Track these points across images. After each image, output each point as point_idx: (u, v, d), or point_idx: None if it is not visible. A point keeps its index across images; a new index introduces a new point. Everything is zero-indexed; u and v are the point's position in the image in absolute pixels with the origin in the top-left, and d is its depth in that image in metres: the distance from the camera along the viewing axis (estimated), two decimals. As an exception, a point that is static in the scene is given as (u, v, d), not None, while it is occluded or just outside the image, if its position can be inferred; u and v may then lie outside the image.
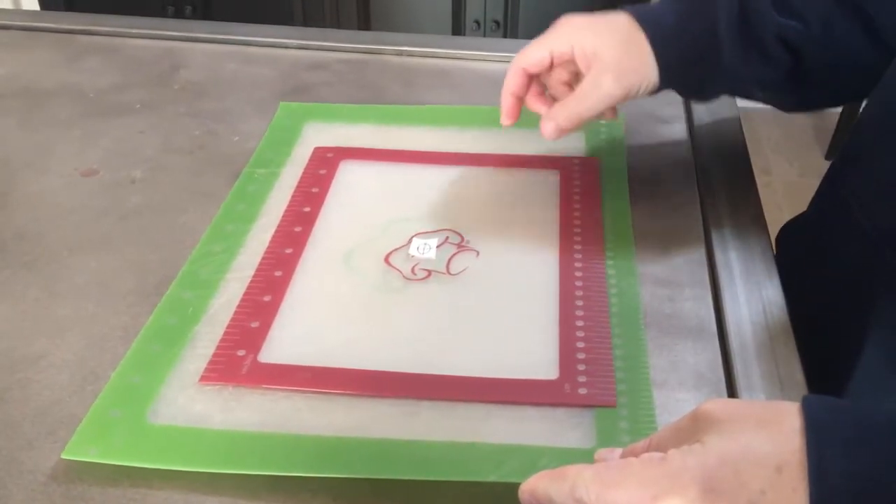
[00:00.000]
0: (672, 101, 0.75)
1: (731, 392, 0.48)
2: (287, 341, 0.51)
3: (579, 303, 0.53)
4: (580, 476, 0.36)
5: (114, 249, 0.59)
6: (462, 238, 0.59)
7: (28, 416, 0.47)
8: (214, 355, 0.50)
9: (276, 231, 0.59)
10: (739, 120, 0.73)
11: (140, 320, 0.52)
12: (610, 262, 0.56)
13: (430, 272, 0.56)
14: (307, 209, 0.61)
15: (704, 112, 0.73)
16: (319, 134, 0.70)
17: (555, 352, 0.50)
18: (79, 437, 0.45)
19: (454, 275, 0.56)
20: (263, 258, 0.57)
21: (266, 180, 0.65)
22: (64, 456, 0.44)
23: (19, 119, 0.74)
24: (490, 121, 0.72)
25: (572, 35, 0.59)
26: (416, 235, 0.58)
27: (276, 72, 0.81)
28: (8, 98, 0.77)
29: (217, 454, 0.44)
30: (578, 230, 0.59)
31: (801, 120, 2.22)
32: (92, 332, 0.52)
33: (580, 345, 0.50)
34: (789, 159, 2.08)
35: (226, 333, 0.51)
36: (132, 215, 0.62)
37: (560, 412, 0.46)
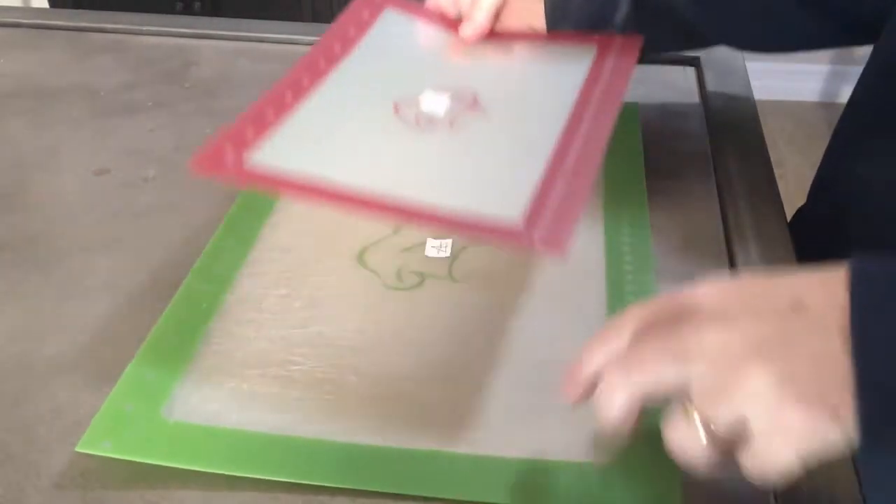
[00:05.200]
0: (687, 94, 0.75)
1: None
2: (291, 145, 0.51)
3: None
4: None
5: (127, 249, 0.59)
6: (475, 98, 0.58)
7: (43, 419, 0.47)
8: (217, 142, 0.49)
9: (300, 61, 0.59)
10: (757, 112, 0.72)
11: (154, 320, 0.52)
12: (627, 259, 0.55)
13: (433, 121, 0.55)
14: (337, 47, 0.61)
15: (721, 105, 0.72)
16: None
17: (528, 194, 0.47)
18: (93, 429, 0.45)
19: (454, 127, 0.55)
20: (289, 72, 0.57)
21: (279, 177, 0.64)
22: (78, 449, 0.44)
23: (30, 119, 0.74)
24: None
25: None
26: (428, 90, 0.57)
27: (288, 68, 0.80)
28: (19, 98, 0.77)
29: (232, 455, 0.44)
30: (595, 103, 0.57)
31: (814, 111, 2.21)
32: (106, 333, 0.52)
33: (557, 191, 0.48)
34: (802, 151, 2.06)
35: (237, 123, 0.51)
36: (145, 215, 0.62)
37: (576, 426, 0.45)
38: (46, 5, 1.67)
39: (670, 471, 0.42)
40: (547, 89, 0.60)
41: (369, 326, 0.51)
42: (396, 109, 0.56)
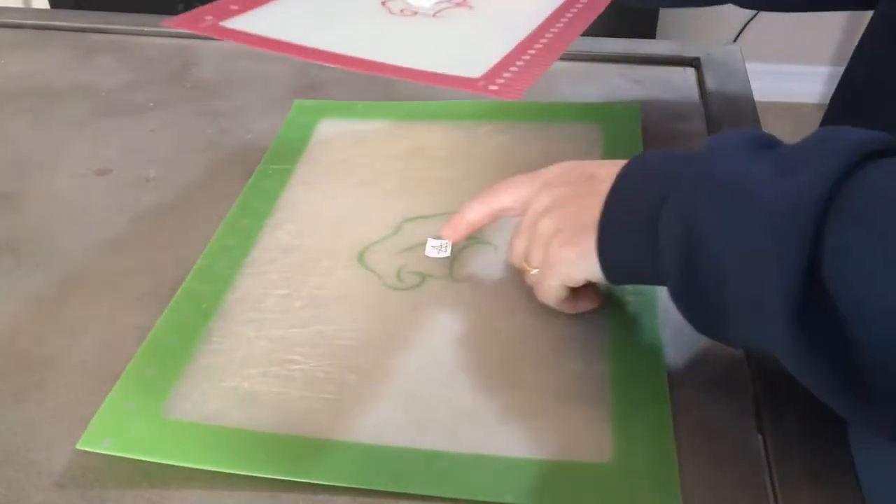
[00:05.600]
0: (687, 95, 0.75)
1: (756, 390, 0.47)
2: (272, 19, 0.56)
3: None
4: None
5: (128, 249, 0.59)
6: None
7: (45, 418, 0.47)
8: (198, 10, 0.54)
9: None
10: (757, 113, 0.72)
11: (155, 320, 0.52)
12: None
13: (418, 13, 0.59)
14: None
15: (721, 105, 0.72)
16: (334, 131, 0.70)
17: (493, 63, 0.52)
18: (93, 428, 0.45)
19: (438, 17, 0.58)
20: None
21: (280, 176, 0.64)
22: (79, 447, 0.44)
23: (32, 119, 0.74)
24: (507, 114, 0.71)
25: None
26: None
27: (289, 69, 0.81)
28: (20, 98, 0.77)
29: (233, 454, 0.44)
30: None
31: (813, 113, 2.21)
32: (107, 333, 0.52)
33: (521, 60, 0.52)
34: (802, 153, 2.06)
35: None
36: (146, 215, 0.62)
37: (576, 425, 0.45)
38: (47, 6, 1.67)
39: (670, 471, 0.42)
40: None
41: (369, 326, 0.51)
42: (384, 2, 0.58)
